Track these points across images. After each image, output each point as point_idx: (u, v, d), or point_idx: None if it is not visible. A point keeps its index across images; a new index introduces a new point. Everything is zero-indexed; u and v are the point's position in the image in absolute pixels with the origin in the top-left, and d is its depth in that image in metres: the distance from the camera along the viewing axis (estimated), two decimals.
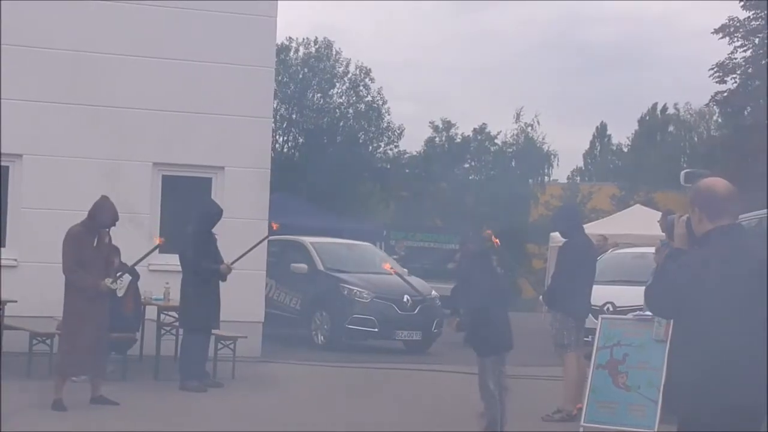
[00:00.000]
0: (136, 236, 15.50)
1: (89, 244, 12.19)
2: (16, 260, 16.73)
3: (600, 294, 15.29)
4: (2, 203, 16.94)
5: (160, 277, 15.82)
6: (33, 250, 16.38)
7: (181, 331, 14.82)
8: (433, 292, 20.33)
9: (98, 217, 12.29)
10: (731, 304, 5.42)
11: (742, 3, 38.16)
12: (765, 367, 5.39)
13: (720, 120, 53.91)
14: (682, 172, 16.06)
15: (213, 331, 14.71)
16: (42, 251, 15.53)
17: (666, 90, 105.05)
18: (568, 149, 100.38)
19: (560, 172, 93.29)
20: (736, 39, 38.84)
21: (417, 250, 30.66)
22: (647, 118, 65.62)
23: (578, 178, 70.24)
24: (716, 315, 5.44)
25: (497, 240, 11.86)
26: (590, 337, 12.86)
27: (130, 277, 14.31)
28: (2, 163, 16.95)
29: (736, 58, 39.18)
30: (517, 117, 49.40)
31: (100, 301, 12.21)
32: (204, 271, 14.17)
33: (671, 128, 63.54)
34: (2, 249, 16.84)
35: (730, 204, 5.68)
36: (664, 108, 65.37)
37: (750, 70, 38.90)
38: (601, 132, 76.90)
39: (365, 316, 19.76)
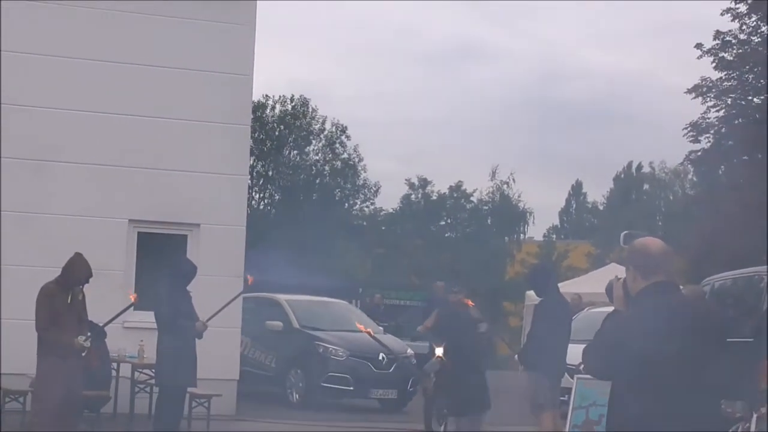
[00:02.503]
0: (110, 293, 15.46)
1: (63, 301, 12.12)
2: None
3: (575, 353, 15.10)
4: None
5: (135, 335, 15.75)
6: (6, 306, 16.26)
7: (156, 388, 14.73)
8: (409, 350, 20.29)
9: (72, 274, 12.23)
10: (662, 359, 5.44)
11: (714, 64, 38.52)
12: (695, 421, 5.40)
13: (695, 179, 54.19)
14: (622, 234, 16.31)
15: (188, 388, 14.62)
16: (15, 308, 15.43)
17: (641, 148, 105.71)
18: (543, 207, 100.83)
19: (536, 230, 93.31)
20: (708, 99, 39.14)
21: (392, 308, 30.65)
22: (622, 176, 66.05)
23: (554, 235, 70.53)
24: (648, 371, 5.48)
25: (470, 300, 11.90)
26: (566, 396, 12.84)
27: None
28: None
29: (709, 118, 39.45)
30: (493, 175, 49.66)
31: (73, 358, 12.12)
32: (179, 329, 14.09)
33: (646, 186, 63.95)
34: None
35: (662, 262, 5.73)
36: (639, 166, 65.86)
37: (723, 130, 39.18)
38: (577, 190, 77.32)
39: (340, 375, 19.68)
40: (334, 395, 19.91)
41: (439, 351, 13.89)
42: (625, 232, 16.15)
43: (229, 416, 16.99)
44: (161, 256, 17.05)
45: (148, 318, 14.88)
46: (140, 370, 15.24)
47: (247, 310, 19.36)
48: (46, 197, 16.89)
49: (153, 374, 14.85)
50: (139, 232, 17.67)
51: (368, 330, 14.10)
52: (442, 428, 13.92)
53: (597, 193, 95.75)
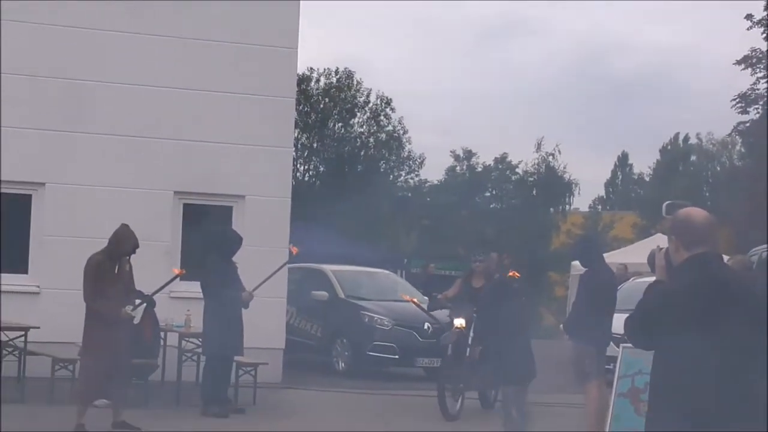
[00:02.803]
0: (156, 264, 15.60)
1: (110, 272, 12.26)
2: (38, 287, 16.83)
3: (621, 323, 15.22)
4: (25, 231, 17.06)
5: (182, 304, 15.87)
6: (55, 277, 16.46)
7: (203, 357, 14.87)
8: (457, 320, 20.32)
9: (119, 245, 12.36)
10: (704, 332, 5.39)
11: (764, 35, 38.11)
12: (741, 398, 5.34)
13: (743, 150, 53.73)
14: (664, 204, 15.99)
15: (234, 357, 14.76)
16: (64, 278, 15.60)
17: (688, 120, 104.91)
18: (589, 178, 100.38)
19: (581, 201, 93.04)
20: (758, 70, 38.79)
21: (437, 278, 30.64)
22: (669, 147, 65.60)
23: (600, 207, 70.25)
24: (689, 343, 5.42)
25: (517, 273, 11.92)
26: (612, 365, 12.82)
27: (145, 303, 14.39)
28: (25, 192, 17.09)
29: (758, 89, 39.11)
30: (538, 146, 49.38)
31: (119, 328, 12.26)
32: (225, 299, 14.23)
33: (693, 157, 63.50)
34: (25, 276, 16.96)
35: (706, 233, 5.67)
36: (686, 138, 65.38)
37: None
38: (623, 161, 76.97)
39: (386, 344, 19.76)
40: (379, 364, 20.01)
41: (458, 322, 14.33)
42: (668, 202, 15.88)
43: (275, 384, 17.09)
44: (207, 227, 17.18)
45: (194, 288, 15.01)
46: (187, 339, 15.37)
47: (292, 280, 19.47)
48: (94, 170, 17.03)
49: (200, 343, 14.99)
50: (184, 204, 17.79)
51: (413, 299, 14.34)
52: (458, 406, 14.31)
53: (643, 164, 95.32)
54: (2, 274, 16.63)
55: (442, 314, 17.92)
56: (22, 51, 16.85)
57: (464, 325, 14.40)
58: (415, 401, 16.84)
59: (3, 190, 16.92)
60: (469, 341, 14.45)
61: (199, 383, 14.87)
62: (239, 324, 14.38)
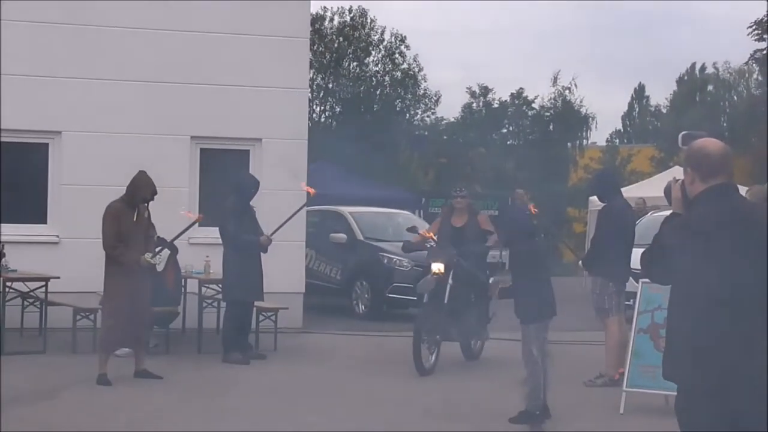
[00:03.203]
0: (175, 210, 15.61)
1: (129, 219, 12.28)
2: (57, 237, 16.88)
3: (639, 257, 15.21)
4: (43, 180, 17.09)
5: (201, 251, 15.89)
6: (74, 226, 16.51)
7: (223, 303, 14.91)
8: None
9: (137, 192, 12.37)
10: (720, 265, 5.32)
11: None
12: (758, 330, 5.27)
13: (760, 78, 53.30)
14: (680, 134, 15.79)
15: (255, 303, 14.79)
16: (82, 227, 15.64)
17: (704, 49, 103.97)
18: (606, 112, 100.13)
19: (599, 135, 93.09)
20: None
21: None
22: (686, 78, 65.04)
23: (617, 140, 69.95)
24: (705, 277, 5.36)
25: (535, 208, 11.89)
26: (631, 300, 12.82)
27: (169, 252, 14.40)
28: (41, 141, 17.10)
29: None
30: (555, 80, 49.00)
31: (140, 275, 12.30)
32: (243, 244, 14.23)
33: (710, 88, 62.92)
34: (44, 226, 17.01)
35: (722, 163, 5.57)
36: (703, 67, 64.76)
37: None
38: (639, 93, 76.49)
39: (405, 285, 19.75)
40: (399, 305, 20.04)
41: (436, 266, 13.41)
42: (684, 132, 15.74)
43: (296, 329, 17.16)
44: (224, 172, 17.16)
45: (213, 234, 15.02)
46: (207, 285, 15.40)
47: (311, 223, 19.48)
48: (110, 117, 17.01)
49: (220, 290, 15.02)
50: (201, 149, 17.77)
51: (429, 234, 14.14)
52: (432, 358, 13.41)
53: (660, 95, 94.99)
54: (21, 225, 16.71)
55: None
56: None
57: (443, 270, 13.47)
58: None
59: (19, 140, 16.95)
60: (448, 288, 13.61)
61: (220, 330, 14.93)
62: (259, 269, 14.39)
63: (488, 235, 14.25)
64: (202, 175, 17.77)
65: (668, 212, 5.84)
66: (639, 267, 12.38)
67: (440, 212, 14.91)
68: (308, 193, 15.10)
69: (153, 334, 14.17)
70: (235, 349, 14.16)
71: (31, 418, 10.29)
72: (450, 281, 13.53)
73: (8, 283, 14.61)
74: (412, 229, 14.86)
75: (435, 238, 14.07)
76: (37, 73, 16.80)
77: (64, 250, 16.65)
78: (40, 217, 17.07)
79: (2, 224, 16.55)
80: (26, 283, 14.89)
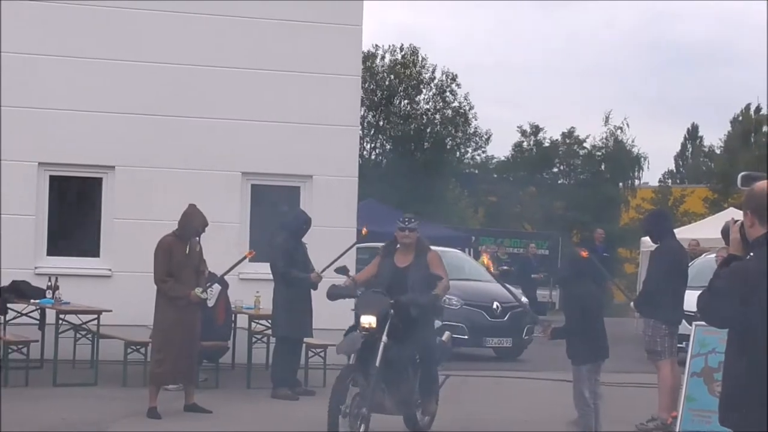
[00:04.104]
0: (225, 246, 15.73)
1: (180, 253, 12.38)
2: (110, 270, 17.03)
3: (693, 300, 15.09)
4: (96, 215, 17.27)
5: (251, 286, 15.96)
6: (126, 260, 16.65)
7: (273, 339, 14.97)
8: (523, 298, 20.25)
9: (188, 226, 12.48)
10: None
11: None
12: None
13: None
14: (740, 175, 15.64)
15: (304, 339, 14.83)
16: (134, 261, 15.77)
17: (759, 89, 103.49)
18: (658, 151, 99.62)
19: (651, 175, 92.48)
20: None
21: (510, 255, 30.59)
22: (740, 118, 64.64)
23: (670, 180, 69.61)
24: (762, 323, 5.33)
25: (585, 253, 11.83)
26: (684, 343, 12.74)
27: (220, 287, 14.48)
28: (95, 175, 17.29)
29: None
30: (606, 120, 49.00)
31: (191, 310, 12.38)
32: (294, 280, 14.30)
33: (765, 128, 62.54)
34: (96, 260, 17.17)
35: None
36: (758, 108, 64.32)
37: None
38: (693, 134, 76.20)
39: (455, 323, 19.74)
40: None
41: (366, 319, 10.66)
42: (743, 173, 15.63)
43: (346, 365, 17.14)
44: (275, 208, 17.28)
45: (263, 269, 15.09)
46: (257, 321, 15.47)
47: (361, 260, 19.48)
48: (163, 152, 17.18)
49: (270, 325, 15.08)
50: (252, 185, 17.89)
51: (490, 267, 13.64)
52: (360, 429, 10.38)
53: (714, 136, 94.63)
54: (74, 258, 16.92)
55: (516, 290, 17.73)
56: (88, 34, 17.03)
57: (374, 324, 10.57)
58: (486, 381, 16.86)
59: (74, 174, 17.18)
60: (381, 348, 10.51)
61: (269, 365, 14.98)
62: (308, 305, 14.45)
63: (437, 280, 11.05)
64: (253, 211, 17.87)
65: (719, 253, 5.84)
66: (692, 309, 12.32)
67: (380, 249, 11.78)
68: (361, 232, 15.16)
69: (202, 368, 14.24)
70: (284, 384, 14.20)
71: None
72: (384, 338, 10.54)
73: (61, 316, 14.77)
74: (342, 270, 11.64)
75: (367, 281, 11.47)
76: (91, 108, 17.00)
77: (116, 284, 16.80)
78: (93, 250, 17.24)
79: (56, 258, 16.78)
80: (79, 315, 15.02)
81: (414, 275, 11.15)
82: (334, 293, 11.60)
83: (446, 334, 11.69)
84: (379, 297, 10.81)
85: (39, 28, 16.88)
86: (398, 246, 11.48)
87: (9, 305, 15.30)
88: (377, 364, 10.44)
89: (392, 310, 10.66)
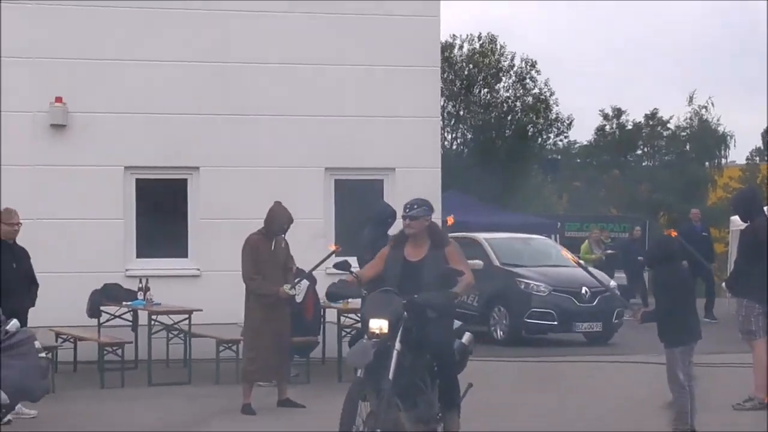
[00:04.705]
0: (311, 241, 15.79)
1: (266, 250, 12.46)
2: (198, 270, 17.20)
3: None
4: (182, 215, 17.45)
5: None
6: (214, 259, 16.80)
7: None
8: (612, 282, 20.11)
9: (273, 223, 12.55)
10: None
11: None
12: None
13: None
14: None
15: None
16: (222, 260, 15.89)
17: None
18: (745, 129, 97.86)
19: (738, 154, 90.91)
20: None
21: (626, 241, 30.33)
22: None
23: (757, 158, 68.54)
24: None
25: (675, 233, 11.68)
26: None
27: (308, 283, 14.54)
28: (180, 177, 17.47)
29: None
30: (690, 100, 48.52)
31: (280, 306, 12.45)
32: None
33: None
34: (185, 260, 17.35)
35: None
36: None
37: None
38: None
39: (544, 310, 19.70)
40: (538, 330, 19.99)
41: (376, 324, 8.88)
42: None
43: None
44: (359, 202, 17.32)
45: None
46: (346, 315, 15.52)
47: None
48: (246, 151, 17.31)
49: (358, 319, 15.12)
50: (336, 180, 17.95)
51: (578, 260, 13.04)
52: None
53: None
54: (163, 259, 17.11)
55: (601, 275, 17.60)
56: (169, 37, 17.20)
57: (386, 329, 8.82)
58: (577, 367, 16.77)
59: (159, 177, 17.37)
60: (394, 357, 8.77)
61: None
62: None
63: (458, 276, 9.39)
64: (337, 206, 17.94)
65: None
66: None
67: (390, 239, 10.14)
68: (446, 222, 15.11)
69: (293, 364, 14.31)
70: None
71: None
72: (397, 346, 8.84)
73: (153, 317, 14.95)
74: (342, 266, 9.85)
75: (373, 278, 9.71)
76: (173, 111, 17.18)
77: (205, 283, 16.96)
78: (182, 251, 17.42)
79: (146, 259, 17.00)
80: (170, 316, 15.20)
81: (429, 271, 9.39)
82: (334, 293, 9.95)
83: (467, 336, 9.94)
84: (390, 297, 9.05)
85: (119, 33, 17.06)
86: (406, 238, 9.65)
87: (102, 308, 15.53)
88: (390, 376, 8.67)
89: (405, 313, 8.93)
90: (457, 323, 9.90)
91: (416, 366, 9.06)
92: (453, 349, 9.51)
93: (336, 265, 9.96)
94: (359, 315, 14.71)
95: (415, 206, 9.55)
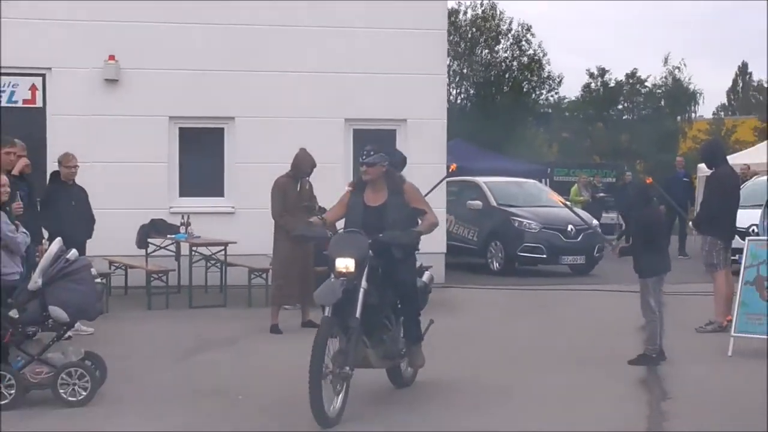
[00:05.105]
0: (333, 184, 15.76)
1: (293, 191, 12.46)
2: (233, 207, 17.23)
3: (745, 218, 14.87)
4: (219, 160, 17.46)
5: None
6: (247, 198, 16.82)
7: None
8: (594, 221, 20.11)
9: (299, 167, 12.55)
10: None
11: None
12: None
13: None
14: None
15: None
16: (254, 199, 15.88)
17: None
18: (712, 88, 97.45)
19: (706, 109, 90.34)
20: None
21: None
22: None
23: (722, 113, 68.23)
24: None
25: (650, 178, 11.66)
26: (737, 256, 12.56)
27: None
28: (218, 126, 17.46)
29: None
30: (665, 61, 48.22)
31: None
32: None
33: None
34: (221, 199, 17.38)
35: None
36: None
37: None
38: (743, 70, 74.63)
39: (535, 245, 19.72)
40: (529, 263, 20.00)
41: (342, 263, 8.01)
42: None
43: (439, 284, 17.18)
44: (376, 149, 17.25)
45: None
46: None
47: (450, 192, 19.50)
48: (276, 103, 17.29)
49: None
50: (354, 129, 17.93)
51: (565, 201, 12.89)
52: (338, 401, 7.81)
53: (762, 71, 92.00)
54: (203, 198, 17.16)
55: (585, 215, 17.55)
56: (209, 5, 17.13)
57: (352, 268, 7.98)
58: (563, 295, 16.81)
59: (199, 126, 17.37)
60: (361, 295, 7.97)
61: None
62: None
63: (420, 215, 8.57)
64: (355, 152, 17.91)
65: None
66: (744, 226, 11.97)
67: (348, 187, 9.09)
68: (449, 168, 15.08)
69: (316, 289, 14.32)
70: None
71: (215, 362, 10.54)
72: (363, 284, 8.03)
73: (194, 248, 15.00)
74: (309, 209, 9.33)
75: (337, 220, 8.83)
76: (212, 68, 17.15)
77: (239, 219, 16.99)
78: (218, 191, 17.45)
79: (187, 198, 17.05)
80: (209, 247, 15.25)
81: (390, 215, 8.46)
82: (301, 235, 9.32)
83: (426, 274, 9.39)
84: (356, 237, 8.21)
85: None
86: (364, 184, 8.73)
87: (149, 240, 15.58)
88: (357, 315, 7.89)
89: (371, 252, 8.12)
90: (418, 263, 9.02)
91: (382, 304, 8.36)
92: (417, 287, 8.80)
93: (303, 206, 9.12)
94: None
95: (372, 152, 8.62)
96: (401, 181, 8.75)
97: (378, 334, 8.42)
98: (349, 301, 7.89)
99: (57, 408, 8.46)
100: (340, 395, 7.85)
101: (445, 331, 12.88)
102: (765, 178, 20.43)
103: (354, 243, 8.11)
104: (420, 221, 8.53)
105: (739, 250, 11.74)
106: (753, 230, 13.55)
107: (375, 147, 8.74)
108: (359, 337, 8.03)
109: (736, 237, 12.96)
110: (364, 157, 8.62)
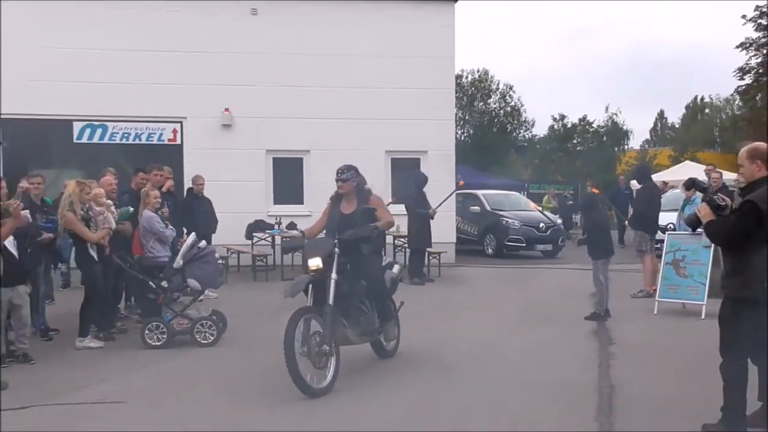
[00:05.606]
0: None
1: (336, 208, 12.36)
2: (309, 211, 17.21)
3: (665, 218, 14.79)
4: (300, 180, 17.54)
5: (396, 220, 15.83)
6: (319, 205, 16.73)
7: (408, 249, 15.04)
8: (558, 220, 20.02)
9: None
10: None
11: (754, 27, 36.00)
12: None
13: (740, 104, 50.77)
14: (743, 146, 15.07)
15: (427, 249, 14.89)
16: (323, 206, 15.79)
17: (704, 86, 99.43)
18: (639, 127, 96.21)
19: (635, 142, 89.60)
20: (751, 50, 36.62)
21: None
22: (691, 105, 62.50)
23: (646, 145, 67.48)
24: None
25: (597, 190, 11.64)
26: (660, 245, 12.51)
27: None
28: (298, 156, 17.54)
29: (751, 63, 36.94)
30: (606, 109, 48.14)
31: None
32: (420, 215, 14.35)
33: (707, 111, 60.31)
34: (301, 206, 17.43)
35: None
36: (702, 98, 62.14)
37: (761, 71, 36.65)
38: (661, 115, 73.76)
39: (517, 236, 19.66)
40: (513, 249, 19.93)
41: (313, 262, 7.10)
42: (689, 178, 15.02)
43: (451, 264, 17.22)
44: (406, 172, 17.31)
45: (400, 210, 15.11)
46: (398, 238, 15.52)
47: (458, 200, 19.48)
48: (337, 139, 17.19)
49: (406, 242, 15.16)
50: (392, 158, 17.95)
51: (537, 207, 13.15)
52: (329, 373, 6.88)
53: (675, 116, 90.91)
54: (287, 205, 17.22)
55: (552, 216, 17.46)
56: (293, 65, 17.19)
57: (321, 264, 7.09)
58: (537, 271, 16.74)
59: (286, 156, 17.45)
60: (332, 285, 7.07)
61: (406, 265, 15.07)
62: (429, 228, 14.52)
63: (371, 212, 7.72)
64: (393, 174, 17.95)
65: (679, 190, 5.58)
66: (663, 224, 11.81)
67: (329, 201, 8.23)
68: (458, 184, 15.13)
69: None
70: (416, 276, 14.30)
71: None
72: (333, 276, 7.14)
73: (284, 239, 14.96)
74: (291, 226, 8.43)
75: (319, 231, 7.97)
76: (297, 116, 17.18)
77: (313, 220, 16.84)
78: (299, 200, 17.51)
79: (279, 205, 17.15)
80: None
81: (359, 220, 7.65)
82: (286, 247, 8.30)
83: (396, 267, 8.25)
84: (323, 240, 7.50)
85: (270, 67, 17.07)
86: (340, 196, 8.05)
87: (254, 234, 15.62)
88: (330, 301, 6.99)
89: (337, 249, 7.26)
90: (386, 259, 8.21)
91: (354, 291, 7.42)
92: (383, 278, 7.83)
93: (288, 226, 8.45)
94: (406, 239, 14.76)
95: (345, 171, 7.88)
96: (368, 193, 7.94)
97: (355, 316, 7.47)
98: (324, 292, 7.03)
99: (194, 348, 8.57)
100: (331, 369, 6.84)
101: (455, 296, 12.94)
102: (678, 190, 20.28)
103: (321, 245, 7.28)
104: (380, 218, 7.66)
105: (661, 241, 11.69)
106: (670, 226, 13.42)
107: (347, 166, 7.96)
108: (335, 318, 7.03)
109: (659, 231, 12.87)
110: (340, 175, 7.87)
